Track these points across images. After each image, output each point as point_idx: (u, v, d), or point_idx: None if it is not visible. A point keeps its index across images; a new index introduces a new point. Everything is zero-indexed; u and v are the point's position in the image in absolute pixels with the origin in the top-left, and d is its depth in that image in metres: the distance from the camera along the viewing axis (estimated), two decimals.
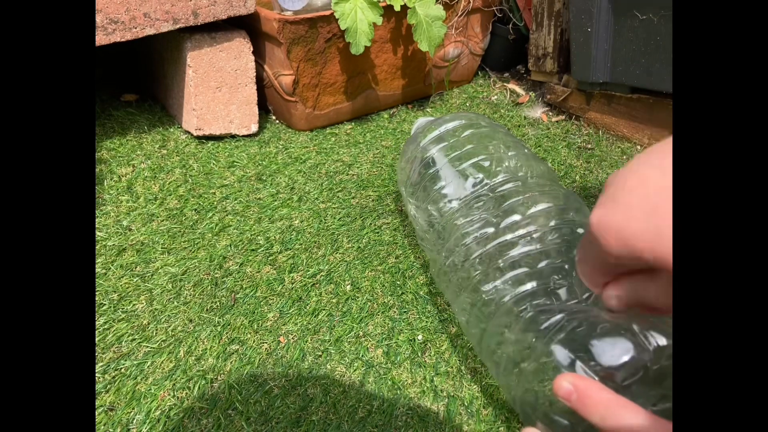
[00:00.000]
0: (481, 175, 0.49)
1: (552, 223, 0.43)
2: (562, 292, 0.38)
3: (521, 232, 0.42)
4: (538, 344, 0.35)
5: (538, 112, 0.99)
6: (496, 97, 1.06)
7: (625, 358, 0.31)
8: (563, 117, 0.97)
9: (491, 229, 0.44)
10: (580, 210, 0.45)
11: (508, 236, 0.42)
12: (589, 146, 0.87)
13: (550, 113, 0.98)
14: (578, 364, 0.32)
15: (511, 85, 1.09)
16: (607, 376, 0.31)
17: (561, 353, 0.33)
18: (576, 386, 0.24)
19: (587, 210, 0.46)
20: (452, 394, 0.48)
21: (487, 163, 0.50)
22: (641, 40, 0.77)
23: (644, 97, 0.83)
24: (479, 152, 0.51)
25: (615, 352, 0.31)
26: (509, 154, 0.51)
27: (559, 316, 0.35)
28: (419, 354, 0.52)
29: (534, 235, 0.42)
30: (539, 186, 0.47)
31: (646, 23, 0.75)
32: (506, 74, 1.14)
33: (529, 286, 0.39)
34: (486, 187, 0.48)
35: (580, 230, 0.43)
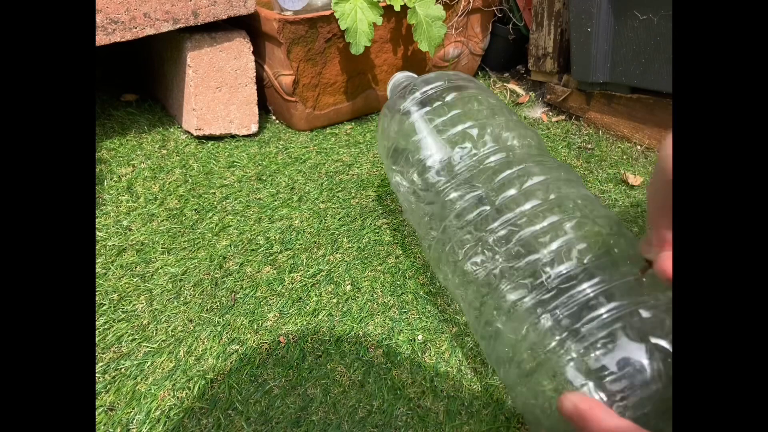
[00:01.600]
0: (468, 145, 0.46)
1: (552, 197, 0.40)
2: (587, 281, 0.35)
3: (521, 209, 0.40)
4: (552, 356, 0.34)
5: (538, 112, 0.99)
6: None
7: (635, 383, 0.30)
8: (563, 117, 0.97)
9: (488, 207, 0.42)
10: (576, 182, 0.43)
11: (508, 215, 0.40)
12: (589, 146, 0.87)
13: (550, 113, 0.98)
14: (589, 384, 0.31)
15: (511, 85, 1.09)
16: (614, 399, 0.30)
17: (572, 372, 0.32)
18: (578, 407, 0.24)
19: (582, 183, 0.45)
20: (452, 394, 0.48)
21: (474, 131, 0.47)
22: (641, 40, 0.77)
23: (644, 97, 0.83)
24: (466, 119, 0.48)
25: (626, 374, 0.30)
26: (497, 120, 0.48)
27: (578, 325, 0.34)
28: (419, 354, 0.52)
29: (538, 211, 0.39)
30: (530, 157, 0.45)
31: (646, 23, 0.75)
32: (506, 74, 1.14)
33: (545, 275, 0.37)
34: (474, 158, 0.45)
35: (580, 201, 0.40)
